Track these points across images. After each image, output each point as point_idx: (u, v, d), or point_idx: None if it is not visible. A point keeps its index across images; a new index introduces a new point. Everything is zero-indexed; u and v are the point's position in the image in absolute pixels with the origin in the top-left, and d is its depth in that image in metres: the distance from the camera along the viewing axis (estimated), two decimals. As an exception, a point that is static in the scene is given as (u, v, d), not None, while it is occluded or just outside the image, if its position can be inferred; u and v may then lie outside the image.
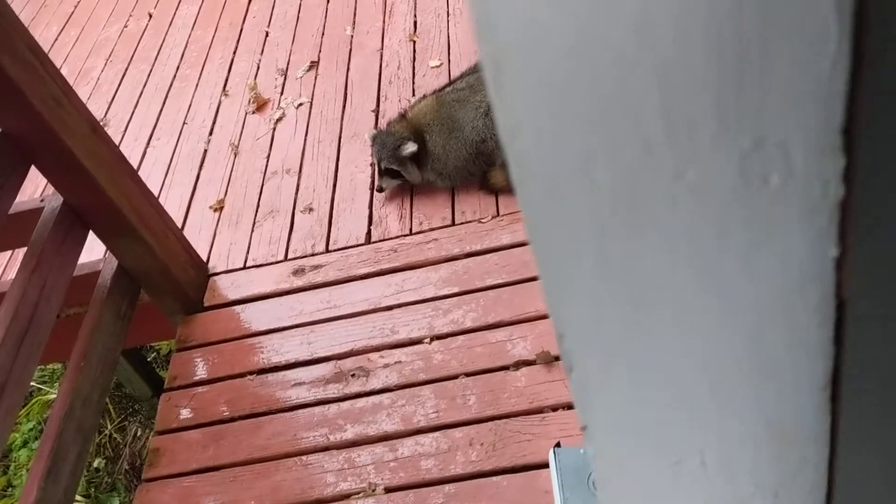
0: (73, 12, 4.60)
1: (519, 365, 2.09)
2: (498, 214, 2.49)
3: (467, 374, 2.11)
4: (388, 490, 1.95)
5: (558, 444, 0.88)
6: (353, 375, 2.22)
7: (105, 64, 3.99)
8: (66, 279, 2.20)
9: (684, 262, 0.38)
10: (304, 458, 2.08)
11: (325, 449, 2.08)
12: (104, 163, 2.25)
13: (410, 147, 2.53)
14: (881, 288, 0.37)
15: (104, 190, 2.24)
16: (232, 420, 2.23)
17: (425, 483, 1.94)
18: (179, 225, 2.76)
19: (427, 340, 2.23)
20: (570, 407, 1.94)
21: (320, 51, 3.48)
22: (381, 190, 2.65)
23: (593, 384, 0.42)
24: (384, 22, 3.50)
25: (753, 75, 0.32)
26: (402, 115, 2.66)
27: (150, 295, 2.51)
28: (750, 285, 0.38)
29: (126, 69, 3.89)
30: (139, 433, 3.96)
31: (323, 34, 3.57)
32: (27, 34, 2.05)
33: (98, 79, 3.89)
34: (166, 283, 2.48)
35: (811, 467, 0.46)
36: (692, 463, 0.46)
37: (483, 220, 2.49)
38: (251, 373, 2.32)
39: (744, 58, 0.31)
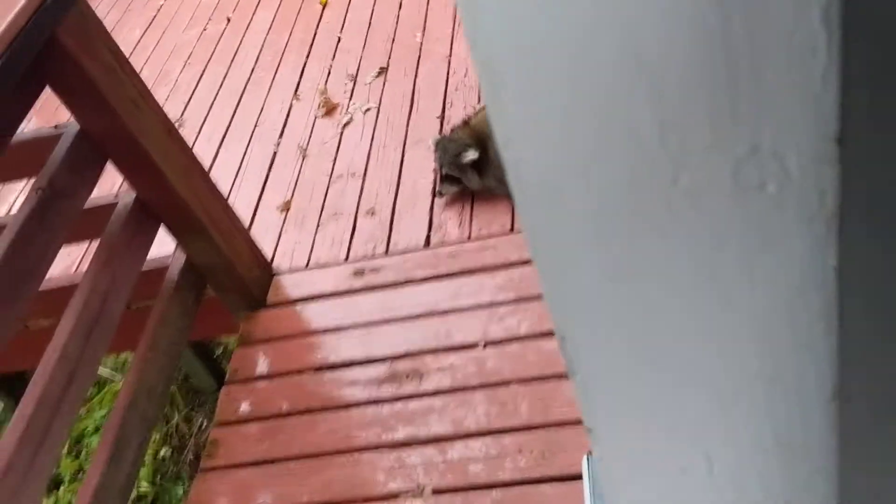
0: (155, 16, 4.78)
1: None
2: (557, 223, 2.49)
3: (519, 381, 2.12)
4: (436, 492, 1.97)
5: (591, 452, 0.88)
6: (406, 377, 2.24)
7: (184, 66, 4.14)
8: (135, 272, 2.29)
9: (684, 266, 0.38)
10: (355, 455, 2.11)
11: (377, 448, 2.11)
12: (177, 163, 2.33)
13: (471, 154, 2.55)
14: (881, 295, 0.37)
15: (175, 188, 2.33)
16: (289, 415, 2.29)
17: (473, 487, 1.95)
18: (247, 224, 2.84)
19: (481, 345, 2.24)
20: (621, 418, 1.92)
21: (390, 57, 3.53)
22: (441, 195, 2.68)
23: (597, 388, 0.43)
24: (454, 29, 3.54)
25: (744, 85, 0.32)
26: (466, 122, 2.68)
27: (215, 290, 2.59)
28: (751, 291, 0.39)
29: (203, 71, 4.02)
30: (204, 425, 4.08)
31: (393, 40, 3.62)
32: (109, 38, 2.15)
33: (177, 80, 4.03)
34: (231, 279, 2.56)
35: (822, 477, 0.46)
36: (699, 470, 0.47)
37: (542, 228, 2.49)
38: (309, 370, 2.37)
39: (734, 67, 0.32)
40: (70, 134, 2.18)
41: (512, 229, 2.54)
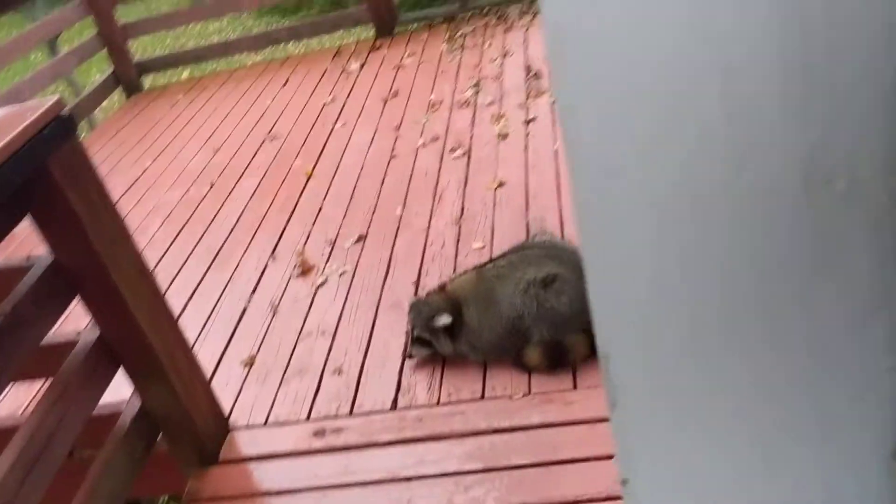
0: (140, 176, 4.89)
1: (540, 551, 1.95)
2: (529, 393, 2.44)
3: (484, 556, 1.98)
4: None
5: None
6: (363, 546, 2.09)
7: (162, 223, 4.18)
8: (86, 413, 2.17)
9: (741, 284, 0.36)
10: None
11: None
12: (146, 304, 2.28)
13: (444, 319, 2.53)
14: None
15: (142, 329, 2.26)
16: (229, 583, 2.09)
17: None
18: (208, 376, 2.73)
19: (444, 516, 2.11)
20: None
21: (369, 226, 3.60)
22: (411, 357, 2.64)
23: (637, 423, 0.39)
24: (433, 205, 3.64)
25: (819, 85, 0.32)
26: (442, 287, 2.69)
27: (168, 441, 2.45)
28: (806, 319, 0.36)
29: (181, 229, 4.06)
30: None
31: (374, 212, 3.71)
32: (96, 177, 2.17)
33: (153, 236, 4.05)
34: (186, 431, 2.43)
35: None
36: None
37: (514, 398, 2.43)
38: (257, 534, 2.20)
39: (809, 61, 0.31)
40: (42, 265, 2.14)
41: (483, 396, 2.48)
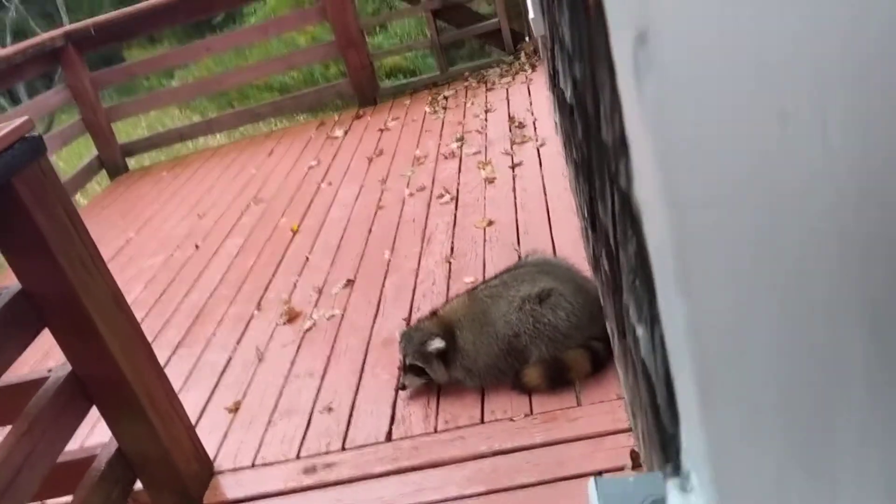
0: (123, 247, 4.80)
1: (552, 568, 1.79)
2: (531, 413, 2.30)
3: (491, 579, 1.81)
4: None
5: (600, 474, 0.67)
6: (359, 580, 1.91)
7: (145, 286, 4.07)
8: (55, 452, 2.01)
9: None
10: None
11: None
12: (122, 334, 2.16)
13: (437, 343, 2.42)
14: None
15: (117, 362, 2.13)
16: None
17: None
18: (192, 422, 2.59)
19: (446, 542, 1.94)
20: None
21: (357, 271, 3.50)
22: (403, 388, 2.50)
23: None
24: (422, 247, 3.56)
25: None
26: (434, 313, 2.58)
27: (145, 486, 2.29)
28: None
29: (164, 290, 3.94)
30: None
31: (362, 258, 3.62)
32: (65, 196, 2.09)
33: (135, 299, 3.93)
34: (166, 473, 2.27)
35: None
36: None
37: (515, 419, 2.29)
38: (244, 576, 2.02)
39: None
40: (8, 294, 2.03)
41: (482, 420, 2.33)
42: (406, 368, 2.47)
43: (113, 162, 6.50)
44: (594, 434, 2.14)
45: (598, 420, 2.19)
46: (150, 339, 3.16)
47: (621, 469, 1.99)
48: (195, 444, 2.37)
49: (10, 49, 5.74)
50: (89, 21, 6.08)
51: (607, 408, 2.22)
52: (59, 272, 2.02)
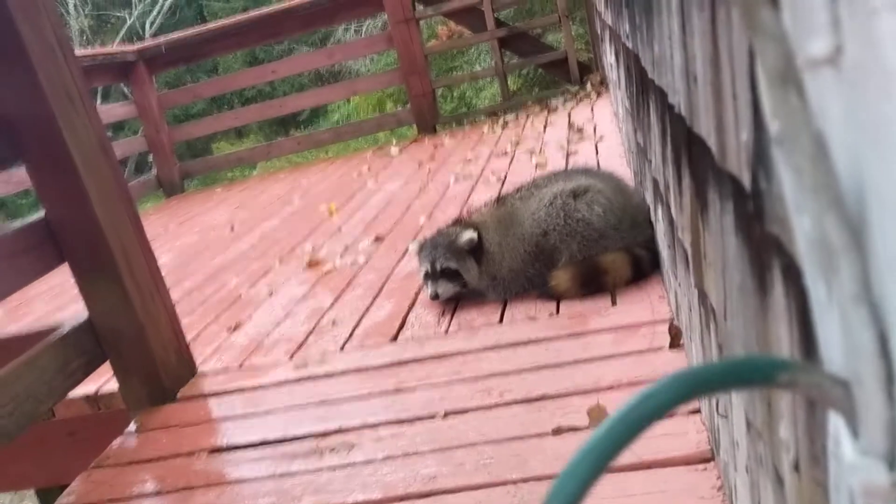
0: (160, 234, 4.67)
1: (561, 431, 1.43)
2: (557, 314, 1.97)
3: (487, 443, 1.46)
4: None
5: None
6: (332, 450, 1.58)
7: (173, 255, 3.90)
8: (6, 285, 1.78)
9: None
10: (231, 529, 1.40)
11: (265, 519, 1.40)
12: (102, 182, 1.95)
13: (468, 234, 2.13)
14: None
15: (93, 210, 1.92)
16: (157, 494, 1.59)
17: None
18: (189, 338, 2.31)
19: (441, 415, 1.61)
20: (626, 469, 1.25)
21: (389, 232, 3.25)
22: (435, 297, 2.18)
23: None
24: (461, 214, 3.29)
25: None
26: (458, 220, 2.31)
27: (114, 369, 2.02)
28: None
29: (191, 257, 3.77)
30: None
31: (396, 224, 3.38)
32: (57, 20, 1.93)
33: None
34: (138, 356, 2.00)
35: None
36: None
37: (537, 318, 1.96)
38: (202, 451, 1.71)
39: None
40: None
41: (500, 322, 2.01)
42: (437, 275, 2.17)
43: (170, 181, 6.50)
44: (628, 325, 1.79)
45: (634, 312, 1.85)
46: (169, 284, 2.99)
47: (658, 350, 1.64)
48: (176, 333, 2.10)
49: (80, 52, 5.86)
50: (161, 38, 6.21)
51: (647, 304, 1.88)
52: (39, 96, 1.84)
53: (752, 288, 0.61)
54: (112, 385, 2.15)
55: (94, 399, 2.23)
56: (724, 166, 0.66)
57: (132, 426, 1.94)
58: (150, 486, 1.63)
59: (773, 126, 0.35)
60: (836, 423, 0.35)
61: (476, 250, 2.13)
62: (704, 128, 0.76)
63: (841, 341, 0.34)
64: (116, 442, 1.88)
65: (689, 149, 0.94)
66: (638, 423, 0.30)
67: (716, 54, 0.63)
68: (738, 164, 0.59)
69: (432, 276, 2.18)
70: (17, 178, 5.00)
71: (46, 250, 1.91)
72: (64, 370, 1.87)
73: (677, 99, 0.99)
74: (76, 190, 1.91)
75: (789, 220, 0.42)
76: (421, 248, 2.25)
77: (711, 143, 0.72)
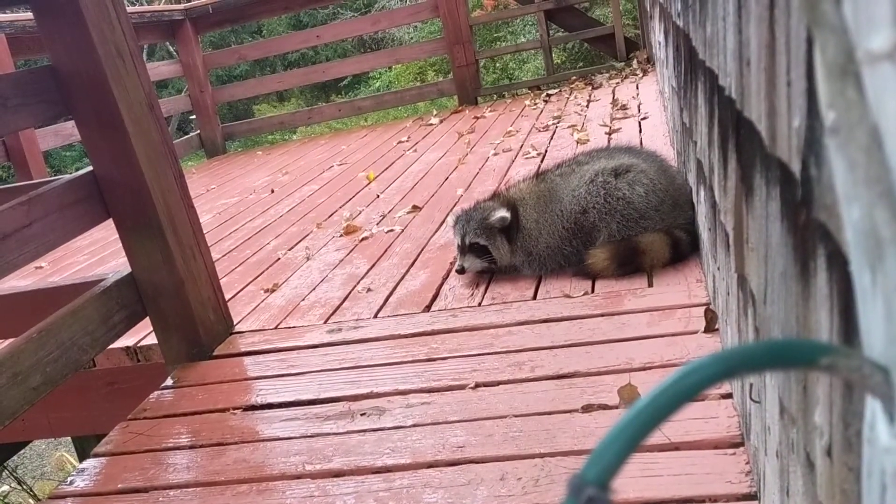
0: (202, 194, 4.73)
1: (591, 408, 1.44)
2: (592, 292, 1.97)
3: (517, 416, 1.48)
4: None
5: None
6: (362, 414, 1.61)
7: (213, 215, 3.96)
8: (50, 240, 1.81)
9: None
10: (262, 484, 1.43)
11: (297, 477, 1.44)
12: (150, 141, 1.99)
13: (500, 212, 2.14)
14: None
15: (140, 168, 1.95)
16: (191, 448, 1.64)
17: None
18: (228, 297, 2.34)
19: (471, 386, 1.63)
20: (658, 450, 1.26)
21: (427, 203, 3.26)
22: (462, 271, 2.20)
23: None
24: (498, 187, 3.29)
25: None
26: (496, 194, 2.31)
27: (154, 324, 2.07)
28: None
29: (231, 217, 3.82)
30: None
31: (433, 195, 3.39)
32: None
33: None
34: (178, 312, 2.04)
35: None
36: None
37: (572, 296, 1.97)
38: (237, 408, 1.76)
39: None
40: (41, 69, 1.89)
41: (535, 298, 2.02)
42: (466, 249, 2.18)
43: (212, 142, 6.56)
44: (664, 307, 1.79)
45: (671, 295, 1.84)
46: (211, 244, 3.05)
47: (692, 333, 1.64)
48: (215, 292, 2.15)
49: (129, 10, 5.92)
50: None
51: (683, 287, 1.87)
52: (90, 51, 1.87)
53: (795, 274, 0.61)
54: (151, 339, 2.20)
55: (133, 351, 2.28)
56: (774, 152, 0.66)
57: (169, 380, 1.99)
58: (184, 440, 1.67)
59: (828, 116, 0.36)
60: (872, 408, 0.36)
61: (509, 228, 2.13)
62: (755, 112, 0.76)
63: (883, 329, 0.35)
64: (154, 395, 1.93)
65: (737, 132, 0.93)
66: (680, 396, 0.31)
67: (772, 40, 0.63)
68: (789, 151, 0.59)
69: (461, 249, 2.20)
70: (65, 132, 5.10)
71: (93, 204, 1.95)
72: (107, 322, 1.92)
73: (728, 81, 0.99)
74: (124, 147, 1.95)
75: (838, 208, 0.42)
76: (456, 221, 2.26)
77: (762, 127, 0.72)
